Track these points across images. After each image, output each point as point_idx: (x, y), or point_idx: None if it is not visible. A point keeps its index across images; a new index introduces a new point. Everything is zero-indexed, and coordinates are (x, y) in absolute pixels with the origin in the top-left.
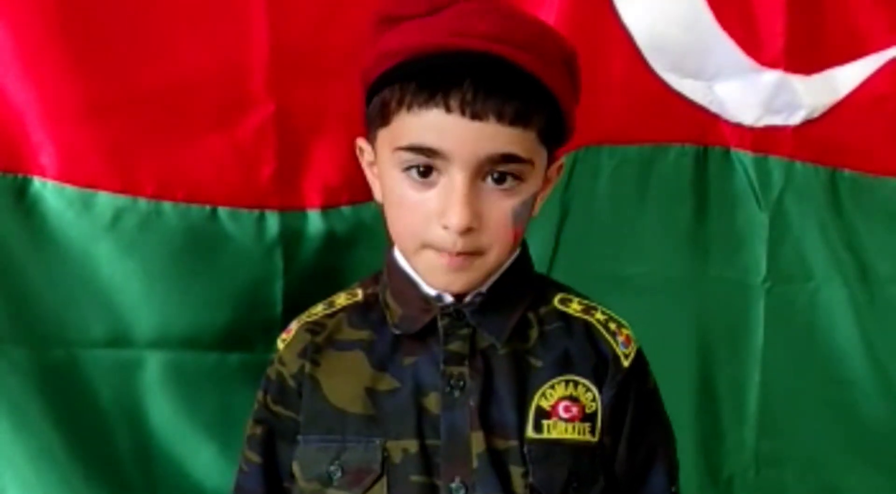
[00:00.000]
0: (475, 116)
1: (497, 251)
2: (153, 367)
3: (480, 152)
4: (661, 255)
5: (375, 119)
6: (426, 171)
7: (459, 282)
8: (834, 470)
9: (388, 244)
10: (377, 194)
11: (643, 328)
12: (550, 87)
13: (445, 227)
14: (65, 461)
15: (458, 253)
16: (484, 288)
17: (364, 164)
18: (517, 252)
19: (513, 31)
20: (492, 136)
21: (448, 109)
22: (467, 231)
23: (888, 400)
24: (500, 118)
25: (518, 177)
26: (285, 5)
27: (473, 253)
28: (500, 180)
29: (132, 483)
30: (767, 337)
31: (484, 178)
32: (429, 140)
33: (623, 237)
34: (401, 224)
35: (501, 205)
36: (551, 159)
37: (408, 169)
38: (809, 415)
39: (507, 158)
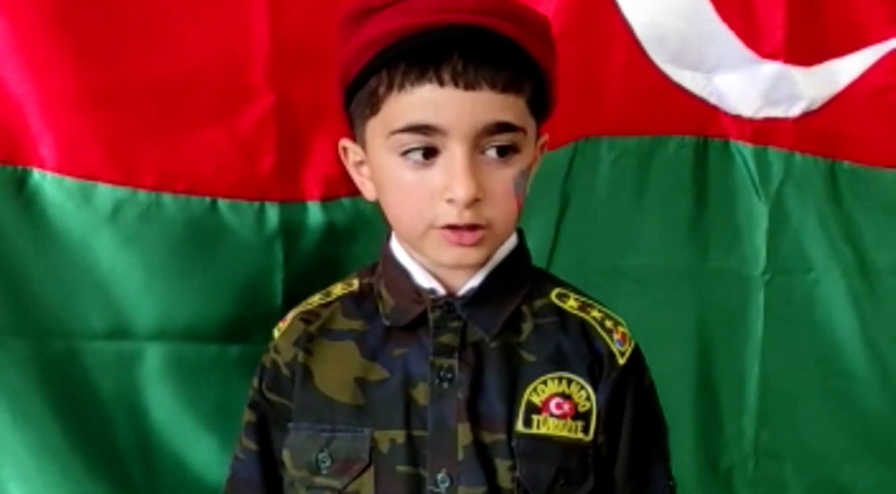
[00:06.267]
0: (469, 86)
1: (503, 222)
2: (153, 359)
3: (477, 122)
4: (660, 247)
5: (363, 111)
6: (428, 153)
7: (469, 258)
8: (833, 461)
9: (386, 235)
10: (368, 193)
11: (642, 319)
12: (535, 56)
13: (450, 201)
14: (65, 453)
15: (466, 227)
16: (477, 282)
17: (350, 166)
18: (515, 242)
19: (493, 4)
20: (487, 105)
21: (441, 82)
22: (473, 202)
23: (887, 391)
24: (493, 86)
25: (514, 148)
26: None
27: (481, 227)
28: (499, 152)
29: (132, 475)
30: (767, 329)
31: (482, 152)
32: (425, 116)
33: (623, 228)
34: (404, 208)
35: (502, 175)
36: (537, 135)
37: (407, 152)
38: (809, 406)
39: (503, 127)
